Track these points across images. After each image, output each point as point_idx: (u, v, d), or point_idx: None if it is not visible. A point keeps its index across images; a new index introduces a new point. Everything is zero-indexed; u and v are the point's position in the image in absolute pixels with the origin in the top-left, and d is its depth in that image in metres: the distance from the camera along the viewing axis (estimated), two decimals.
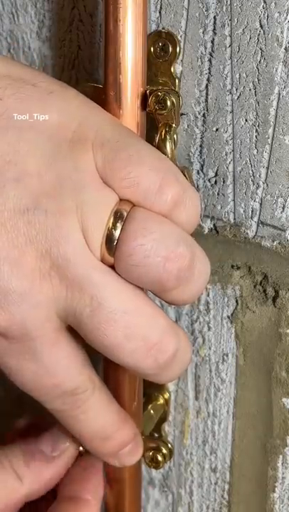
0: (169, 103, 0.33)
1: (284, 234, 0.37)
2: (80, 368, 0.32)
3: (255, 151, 0.36)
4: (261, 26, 0.34)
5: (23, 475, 0.36)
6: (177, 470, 0.45)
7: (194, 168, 0.38)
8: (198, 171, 0.38)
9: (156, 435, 0.44)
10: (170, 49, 0.36)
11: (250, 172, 0.36)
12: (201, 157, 0.38)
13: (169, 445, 0.44)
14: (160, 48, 0.36)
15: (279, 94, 0.34)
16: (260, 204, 0.37)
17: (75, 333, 0.31)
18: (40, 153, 0.29)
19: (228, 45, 0.35)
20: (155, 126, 0.34)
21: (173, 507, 0.47)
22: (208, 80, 0.36)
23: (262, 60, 0.34)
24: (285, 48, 0.34)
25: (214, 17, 0.35)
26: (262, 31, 0.34)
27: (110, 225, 0.29)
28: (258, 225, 0.37)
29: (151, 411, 0.43)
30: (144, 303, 0.31)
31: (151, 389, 0.43)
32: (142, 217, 0.30)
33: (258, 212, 0.37)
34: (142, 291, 0.31)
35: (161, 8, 0.36)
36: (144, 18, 0.32)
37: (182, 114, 0.37)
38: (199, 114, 0.37)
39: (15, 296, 0.29)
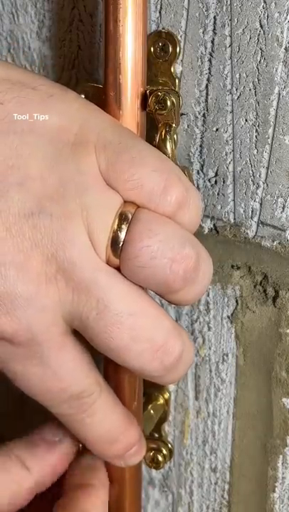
0: (169, 103, 0.33)
1: (284, 234, 0.37)
2: (87, 371, 0.32)
3: (255, 151, 0.36)
4: (261, 26, 0.34)
5: (30, 464, 0.36)
6: (177, 470, 0.45)
7: (194, 168, 0.38)
8: (198, 171, 0.38)
9: (156, 435, 0.44)
10: (170, 49, 0.36)
11: (250, 172, 0.36)
12: (201, 157, 0.38)
13: (169, 445, 0.44)
14: (160, 47, 0.36)
15: (279, 94, 0.34)
16: (260, 204, 0.37)
17: (79, 336, 0.31)
18: (42, 156, 0.29)
19: (228, 45, 0.35)
20: (155, 126, 0.34)
21: (173, 507, 0.47)
22: (208, 79, 0.36)
23: (262, 60, 0.34)
24: (285, 48, 0.34)
25: (214, 17, 0.35)
26: (262, 31, 0.34)
27: (115, 227, 0.29)
28: (258, 225, 0.37)
29: (151, 411, 0.43)
30: (149, 304, 0.31)
31: (151, 389, 0.43)
32: (146, 219, 0.30)
33: (258, 212, 0.37)
34: (146, 293, 0.31)
35: (161, 8, 0.36)
36: (144, 18, 0.32)
37: (182, 114, 0.37)
38: (199, 114, 0.37)
39: (21, 301, 0.29)
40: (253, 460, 0.43)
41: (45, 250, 0.29)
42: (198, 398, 0.43)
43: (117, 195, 0.30)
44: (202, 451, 0.44)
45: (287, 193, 0.36)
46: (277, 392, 0.40)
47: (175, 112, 0.34)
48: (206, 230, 0.39)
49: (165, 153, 0.33)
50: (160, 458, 0.44)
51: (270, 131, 0.35)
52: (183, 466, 0.45)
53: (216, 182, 0.38)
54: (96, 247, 0.29)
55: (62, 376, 0.31)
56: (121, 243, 0.29)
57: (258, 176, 0.36)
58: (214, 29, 0.35)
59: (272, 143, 0.35)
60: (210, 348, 0.41)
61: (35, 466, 0.36)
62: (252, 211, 0.37)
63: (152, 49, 0.36)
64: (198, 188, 0.38)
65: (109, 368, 0.36)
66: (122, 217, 0.29)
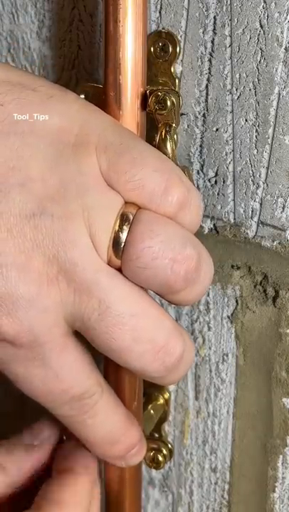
0: (169, 103, 0.33)
1: (284, 234, 0.37)
2: (88, 372, 0.32)
3: (255, 151, 0.36)
4: (261, 26, 0.34)
5: (6, 465, 0.36)
6: (177, 470, 0.45)
7: (194, 168, 0.38)
8: (198, 171, 0.38)
9: (156, 435, 0.44)
10: (170, 49, 0.36)
11: (250, 172, 0.36)
12: (201, 157, 0.38)
13: (169, 445, 0.44)
14: (160, 47, 0.36)
15: (279, 94, 0.34)
16: (260, 204, 0.37)
17: (81, 337, 0.31)
18: (42, 157, 0.29)
19: (228, 45, 0.35)
20: (155, 126, 0.34)
21: (173, 507, 0.47)
22: (208, 79, 0.36)
23: (262, 60, 0.34)
24: (285, 48, 0.34)
25: (214, 17, 0.35)
26: (262, 31, 0.34)
27: (117, 227, 0.29)
28: (258, 225, 0.37)
29: (151, 411, 0.43)
30: (150, 305, 0.31)
31: (151, 389, 0.43)
32: (148, 220, 0.30)
33: (258, 212, 0.37)
34: (147, 293, 0.31)
35: (161, 8, 0.36)
36: (144, 18, 0.32)
37: (182, 114, 0.37)
38: (199, 114, 0.37)
39: (23, 302, 0.29)
40: (253, 460, 0.43)
41: (46, 251, 0.29)
42: (198, 398, 0.43)
43: (118, 195, 0.30)
44: (202, 451, 0.44)
45: (287, 193, 0.36)
46: (277, 392, 0.40)
47: (175, 112, 0.34)
48: (206, 230, 0.39)
49: (165, 153, 0.33)
50: (160, 458, 0.44)
51: (270, 131, 0.35)
52: (183, 466, 0.45)
53: (216, 182, 0.38)
54: (97, 248, 0.29)
55: (63, 377, 0.31)
56: (122, 244, 0.29)
57: (258, 176, 0.36)
58: (214, 29, 0.35)
59: (272, 143, 0.35)
60: (210, 348, 0.41)
61: (11, 468, 0.36)
62: (252, 211, 0.37)
63: (152, 49, 0.36)
64: (198, 188, 0.38)
65: (109, 368, 0.36)
66: (124, 218, 0.30)
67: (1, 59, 0.41)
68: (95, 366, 0.32)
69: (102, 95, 0.33)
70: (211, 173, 0.38)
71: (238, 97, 0.35)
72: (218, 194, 0.38)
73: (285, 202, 0.36)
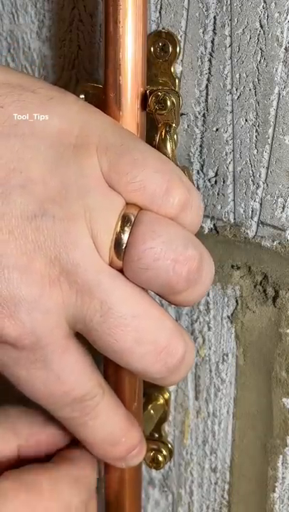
0: (169, 103, 0.33)
1: (284, 234, 0.37)
2: (89, 373, 0.32)
3: (255, 151, 0.36)
4: (261, 26, 0.34)
5: (17, 426, 0.36)
6: (177, 470, 0.45)
7: (194, 168, 0.38)
8: (198, 171, 0.38)
9: (156, 435, 0.44)
10: (170, 49, 0.36)
11: (250, 172, 0.36)
12: (201, 157, 0.38)
13: (169, 445, 0.44)
14: (160, 47, 0.36)
15: (279, 94, 0.34)
16: (260, 204, 0.37)
17: (82, 338, 0.31)
18: (43, 159, 0.29)
19: (228, 45, 0.35)
20: (155, 127, 0.34)
21: (173, 507, 0.47)
22: (208, 79, 0.36)
23: (262, 60, 0.34)
24: (285, 48, 0.34)
25: (214, 17, 0.35)
26: (262, 31, 0.34)
27: (118, 229, 0.29)
28: (258, 225, 0.37)
29: (151, 411, 0.43)
30: (152, 306, 0.31)
31: (151, 389, 0.43)
32: (149, 221, 0.30)
33: (258, 212, 0.37)
34: (148, 294, 0.31)
35: (161, 8, 0.36)
36: (144, 19, 0.32)
37: (182, 114, 0.37)
38: (199, 114, 0.37)
39: (25, 304, 0.29)
40: (253, 460, 0.43)
41: (48, 252, 0.29)
42: (198, 398, 0.43)
43: (119, 197, 0.30)
44: (202, 451, 0.44)
45: (287, 193, 0.36)
46: (277, 392, 0.40)
47: (175, 112, 0.34)
48: (206, 230, 0.39)
49: (165, 153, 0.33)
50: (160, 458, 0.44)
51: (270, 131, 0.35)
52: (183, 466, 0.45)
53: (216, 182, 0.38)
54: (99, 249, 0.29)
55: (65, 379, 0.31)
56: (124, 245, 0.29)
57: (258, 175, 0.36)
58: (214, 29, 0.35)
59: (272, 143, 0.35)
60: (210, 348, 0.41)
61: (23, 430, 0.36)
62: (252, 211, 0.37)
63: (152, 49, 0.36)
64: (198, 188, 0.38)
65: (109, 369, 0.36)
66: (125, 220, 0.30)
67: (1, 59, 0.41)
68: (96, 368, 0.32)
69: (102, 95, 0.33)
70: (211, 173, 0.38)
71: (238, 97, 0.35)
72: (218, 194, 0.38)
73: (285, 202, 0.36)
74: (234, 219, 0.38)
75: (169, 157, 0.33)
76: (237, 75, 0.35)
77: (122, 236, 0.29)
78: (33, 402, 0.32)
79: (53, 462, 0.36)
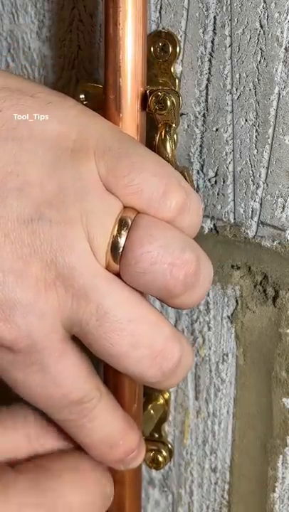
0: (169, 103, 0.33)
1: (284, 234, 0.37)
2: (86, 376, 0.31)
3: (255, 151, 0.36)
4: (261, 26, 0.34)
5: (30, 432, 0.36)
6: (177, 470, 0.45)
7: (194, 168, 0.38)
8: (198, 171, 0.38)
9: (156, 435, 0.44)
10: (170, 49, 0.36)
11: (250, 172, 0.36)
12: (201, 157, 0.38)
13: (169, 445, 0.44)
14: (160, 48, 0.36)
15: (279, 94, 0.34)
16: (260, 204, 0.37)
17: (78, 341, 0.31)
18: (41, 162, 0.29)
19: (228, 45, 0.35)
20: (155, 127, 0.34)
21: (173, 507, 0.47)
22: (208, 79, 0.36)
23: (262, 60, 0.34)
24: (285, 48, 0.34)
25: (214, 17, 0.35)
26: (262, 31, 0.34)
27: (115, 232, 0.29)
28: (258, 225, 0.37)
29: (151, 411, 0.43)
30: (148, 310, 0.31)
31: (151, 389, 0.43)
32: (146, 225, 0.30)
33: (258, 212, 0.37)
34: (145, 298, 0.31)
35: (161, 8, 0.36)
36: (143, 20, 0.32)
37: (182, 114, 0.37)
38: (199, 114, 0.37)
39: (20, 308, 0.29)
40: (253, 460, 0.43)
41: (44, 256, 0.29)
42: (198, 398, 0.43)
43: (116, 200, 0.30)
44: (202, 451, 0.44)
45: (287, 193, 0.36)
46: (277, 392, 0.40)
47: (175, 112, 0.34)
48: (206, 230, 0.39)
49: (165, 153, 0.33)
50: (160, 458, 0.44)
51: (270, 131, 0.35)
52: (183, 466, 0.45)
53: (216, 182, 0.38)
54: (96, 253, 0.29)
55: (62, 382, 0.31)
56: (121, 249, 0.29)
57: (258, 175, 0.36)
58: (214, 29, 0.35)
59: (272, 143, 0.35)
60: (210, 348, 0.41)
61: (35, 435, 0.36)
62: (252, 211, 0.37)
63: (152, 49, 0.36)
64: (198, 188, 0.38)
65: (108, 371, 0.36)
66: (122, 223, 0.29)
67: (1, 59, 0.41)
68: (94, 370, 0.32)
69: (101, 95, 0.33)
70: (211, 173, 0.38)
71: (238, 97, 0.35)
72: (218, 194, 0.38)
73: (285, 202, 0.36)
74: (234, 219, 0.38)
75: (168, 157, 0.33)
76: (237, 75, 0.35)
77: (119, 240, 0.29)
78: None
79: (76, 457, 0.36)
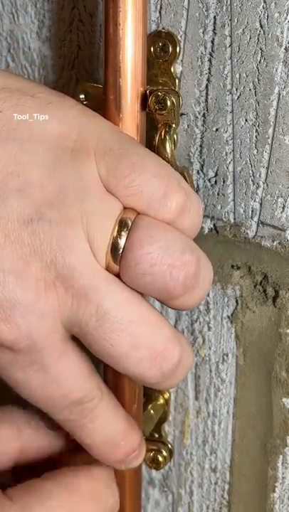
0: (169, 103, 0.33)
1: (284, 234, 0.37)
2: (87, 376, 0.31)
3: (255, 151, 0.36)
4: (261, 26, 0.34)
5: (20, 425, 0.36)
6: (177, 470, 0.45)
7: (194, 168, 0.38)
8: (198, 171, 0.38)
9: (156, 435, 0.44)
10: (170, 49, 0.36)
11: (250, 172, 0.36)
12: (201, 157, 0.38)
13: (169, 445, 0.44)
14: (160, 48, 0.36)
15: (279, 94, 0.34)
16: (260, 204, 0.37)
17: (79, 341, 0.31)
18: (41, 163, 0.29)
19: (228, 45, 0.35)
20: (155, 127, 0.34)
21: (173, 507, 0.47)
22: (208, 79, 0.36)
23: (262, 60, 0.34)
24: (285, 48, 0.34)
25: (214, 17, 0.35)
26: (262, 31, 0.34)
27: (115, 233, 0.29)
28: (258, 225, 0.37)
29: (151, 411, 0.43)
30: (148, 311, 0.31)
31: (152, 389, 0.43)
32: (146, 226, 0.30)
33: (258, 212, 0.37)
34: (145, 299, 0.31)
35: (161, 8, 0.36)
36: (144, 21, 0.32)
37: (182, 114, 0.37)
38: (199, 114, 0.37)
39: (20, 308, 0.29)
40: (253, 460, 0.43)
41: (44, 256, 0.29)
42: (198, 398, 0.43)
43: (116, 201, 0.30)
44: (202, 451, 0.44)
45: (287, 193, 0.36)
46: (277, 392, 0.40)
47: (175, 112, 0.34)
48: (206, 230, 0.39)
49: (165, 153, 0.33)
50: (160, 458, 0.44)
51: (270, 131, 0.35)
52: (183, 466, 0.45)
53: (216, 182, 0.38)
54: (96, 254, 0.29)
55: (62, 382, 0.31)
56: (121, 250, 0.29)
57: (258, 175, 0.36)
58: (214, 29, 0.35)
59: (272, 143, 0.35)
60: (210, 348, 0.41)
61: (26, 430, 0.36)
62: (252, 211, 0.37)
63: (152, 49, 0.36)
64: (198, 188, 0.38)
65: (108, 371, 0.36)
66: (122, 224, 0.29)
67: (1, 59, 0.41)
68: (94, 370, 0.32)
69: (101, 95, 0.33)
70: (211, 173, 0.38)
71: (238, 97, 0.35)
72: (218, 194, 0.38)
73: (285, 202, 0.36)
74: (234, 219, 0.38)
75: (168, 157, 0.33)
76: (237, 75, 0.35)
77: (119, 241, 0.29)
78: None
79: (88, 464, 0.36)
